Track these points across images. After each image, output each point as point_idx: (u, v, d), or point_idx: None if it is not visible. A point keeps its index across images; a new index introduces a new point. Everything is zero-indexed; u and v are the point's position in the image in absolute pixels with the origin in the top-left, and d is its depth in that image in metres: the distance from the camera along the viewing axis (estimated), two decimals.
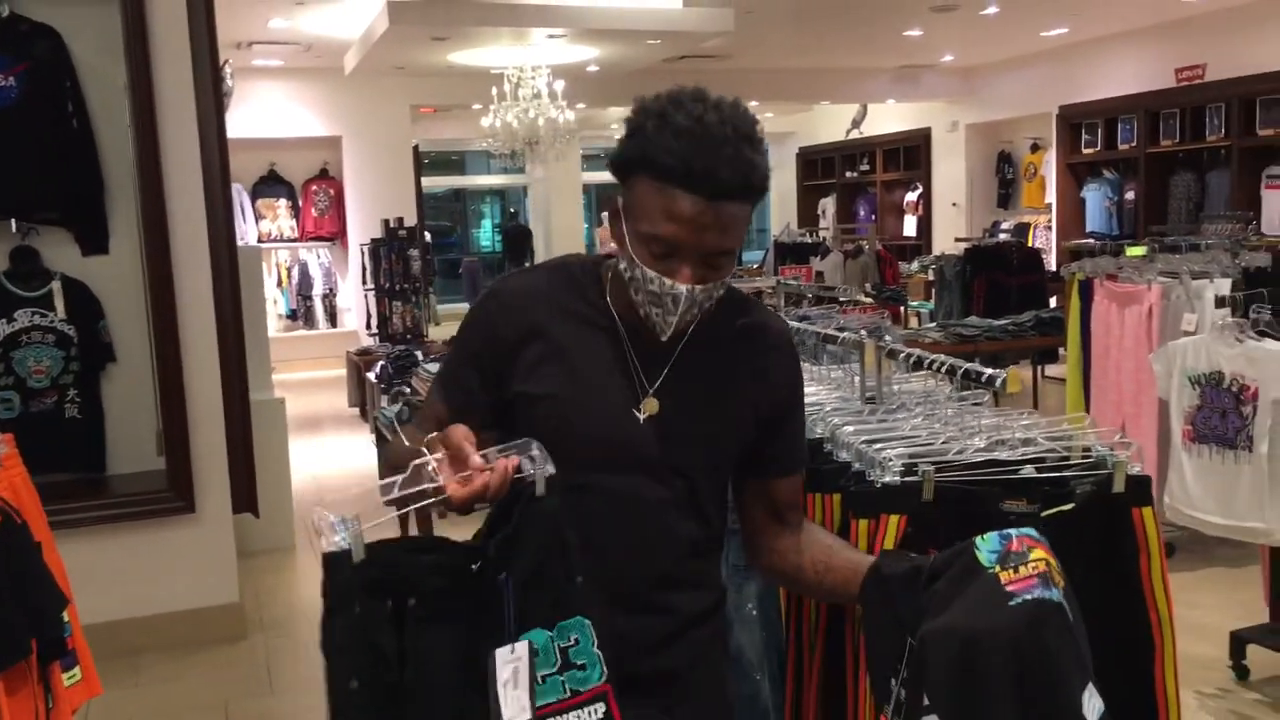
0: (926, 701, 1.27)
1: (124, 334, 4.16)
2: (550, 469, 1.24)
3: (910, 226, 13.82)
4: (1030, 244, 10.87)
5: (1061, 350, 5.92)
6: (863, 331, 1.97)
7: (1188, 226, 8.82)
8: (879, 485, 1.59)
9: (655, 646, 1.44)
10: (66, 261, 4.05)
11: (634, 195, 1.34)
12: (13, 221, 3.92)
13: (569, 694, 1.23)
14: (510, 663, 1.21)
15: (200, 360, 4.01)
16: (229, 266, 4.15)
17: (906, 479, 1.57)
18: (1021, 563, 1.27)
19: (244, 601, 4.29)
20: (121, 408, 4.20)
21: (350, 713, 1.19)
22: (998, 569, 1.27)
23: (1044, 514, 1.54)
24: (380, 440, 5.63)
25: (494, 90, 9.35)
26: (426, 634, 1.21)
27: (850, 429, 1.72)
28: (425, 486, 1.20)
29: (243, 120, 9.30)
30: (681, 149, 1.28)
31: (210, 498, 4.06)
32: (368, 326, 9.42)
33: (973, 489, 1.56)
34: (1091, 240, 10.18)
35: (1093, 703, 1.23)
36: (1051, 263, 10.37)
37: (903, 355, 1.85)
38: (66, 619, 2.31)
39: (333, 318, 11.47)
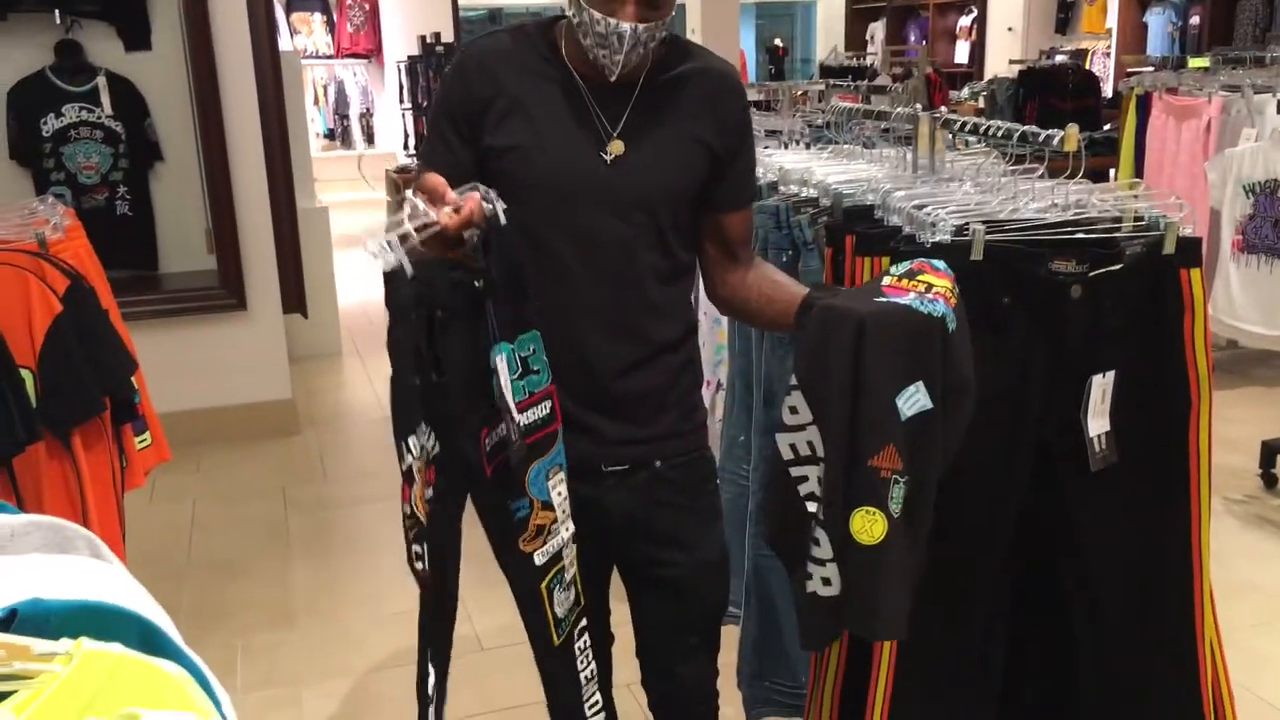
0: (793, 379, 1.43)
1: (170, 133, 4.19)
2: (503, 204, 1.37)
3: (962, 53, 13.33)
4: (1089, 69, 10.49)
5: (1113, 172, 5.80)
6: (918, 106, 1.94)
7: (1254, 50, 8.46)
8: (928, 245, 1.60)
9: (629, 369, 1.57)
10: (110, 57, 4.05)
11: None
12: (56, 13, 3.90)
13: (527, 395, 1.43)
14: (503, 370, 1.40)
15: (246, 162, 4.03)
16: (271, 69, 4.13)
17: (956, 239, 1.58)
18: (909, 278, 1.40)
19: (296, 399, 4.44)
20: (170, 207, 4.26)
21: (412, 405, 1.35)
22: (888, 278, 1.42)
23: (1092, 274, 1.56)
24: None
25: None
26: (449, 342, 1.37)
27: (901, 193, 1.72)
28: (423, 220, 1.31)
29: None
30: None
31: (261, 296, 4.16)
32: (405, 146, 9.36)
33: (1022, 249, 1.57)
34: (1151, 61, 9.80)
35: (915, 398, 1.36)
36: (1109, 89, 10.03)
37: (958, 124, 1.83)
38: (135, 385, 2.41)
39: (370, 137, 11.39)
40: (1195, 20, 10.17)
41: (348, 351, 5.50)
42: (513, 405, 1.39)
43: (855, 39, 14.58)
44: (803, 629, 1.54)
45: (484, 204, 1.34)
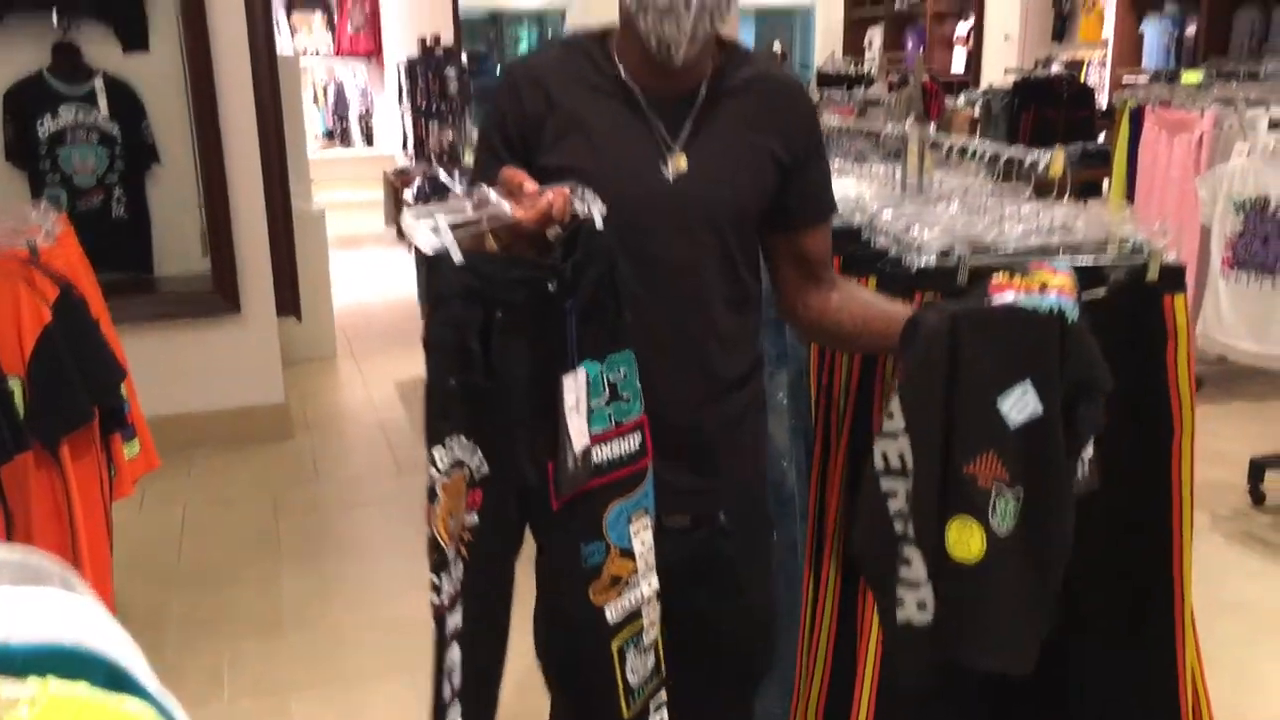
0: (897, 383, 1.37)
1: (167, 136, 4.19)
2: (602, 205, 1.26)
3: (959, 61, 13.34)
4: (1084, 80, 10.51)
5: (1106, 183, 5.82)
6: (909, 123, 1.96)
7: (1248, 63, 8.50)
8: (914, 269, 1.61)
9: (696, 406, 1.47)
10: (108, 59, 4.05)
11: None
12: (53, 14, 3.90)
13: (613, 425, 1.28)
14: (574, 390, 1.26)
15: (242, 164, 4.03)
16: (269, 71, 4.13)
17: (942, 262, 1.59)
18: (1023, 275, 1.33)
19: (289, 403, 4.45)
20: (166, 209, 4.26)
21: (447, 410, 1.20)
22: (1000, 276, 1.34)
23: None
24: (418, 256, 5.70)
25: None
26: (508, 348, 1.22)
27: (888, 215, 1.73)
28: (494, 211, 1.21)
29: None
30: None
31: (255, 300, 4.16)
32: (404, 148, 9.36)
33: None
34: (1145, 73, 9.82)
35: (1023, 400, 1.27)
36: (1103, 100, 10.05)
37: (946, 145, 1.84)
38: (125, 393, 2.42)
39: (369, 138, 11.39)
40: (1191, 30, 10.19)
41: (343, 354, 5.51)
42: (573, 433, 1.25)
43: (853, 45, 14.60)
44: (900, 664, 1.44)
45: (576, 202, 1.25)
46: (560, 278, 1.24)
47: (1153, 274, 1.58)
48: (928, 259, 1.58)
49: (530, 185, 1.23)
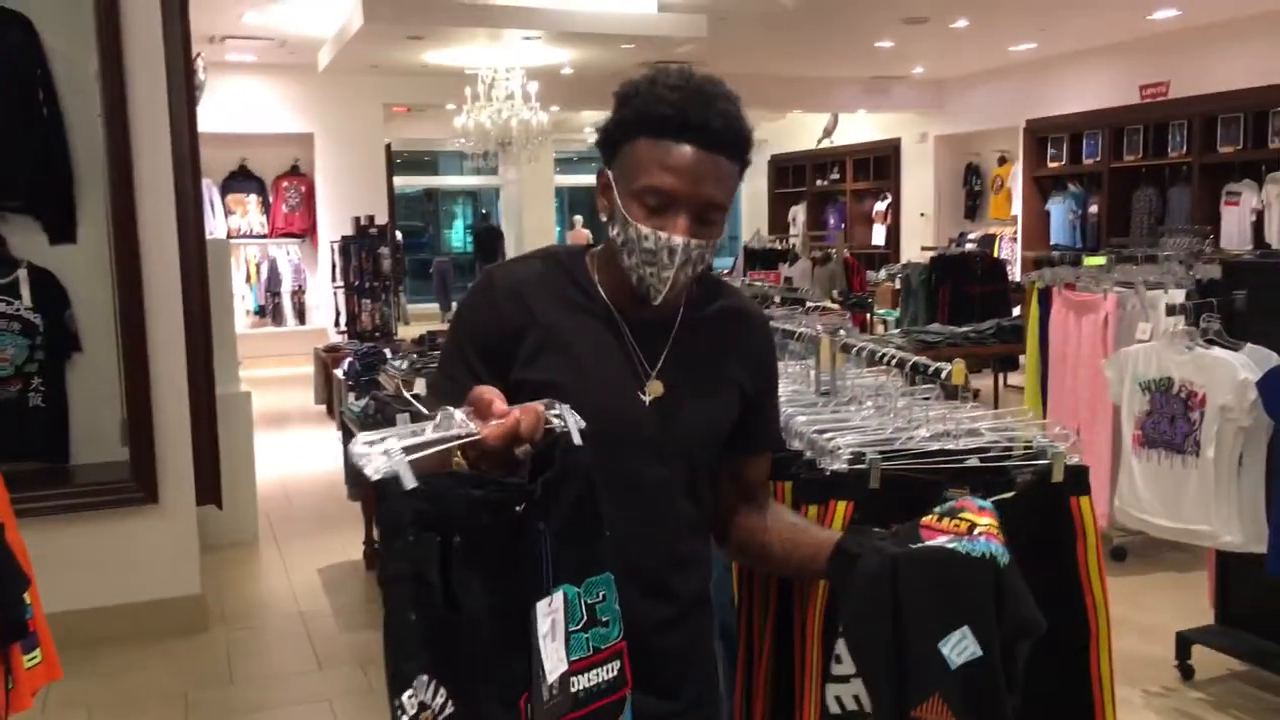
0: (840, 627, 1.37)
1: (90, 323, 4.16)
2: (580, 421, 1.23)
3: (879, 236, 13.96)
4: (996, 255, 11.03)
5: (1022, 358, 6.03)
6: (819, 328, 2.03)
7: (1149, 240, 9.01)
8: (828, 473, 1.64)
9: (659, 628, 1.44)
10: (33, 249, 4.05)
11: (628, 159, 1.38)
12: None
13: (591, 651, 1.22)
14: (549, 615, 1.20)
15: (166, 352, 4.01)
16: (197, 259, 4.16)
17: (854, 467, 1.62)
18: (950, 516, 1.36)
19: (206, 593, 4.29)
20: (86, 397, 4.20)
21: (411, 648, 1.13)
22: (930, 518, 1.38)
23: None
24: (347, 436, 5.65)
25: (467, 90, 9.38)
26: (469, 576, 1.15)
27: (803, 419, 1.77)
28: (456, 432, 1.16)
29: (214, 115, 9.26)
30: (676, 101, 1.34)
31: (174, 489, 4.06)
32: (336, 324, 9.40)
33: (918, 477, 1.62)
34: (1054, 253, 10.35)
35: (963, 644, 1.29)
36: (1016, 273, 10.52)
37: (856, 349, 1.91)
38: (28, 600, 2.32)
39: (301, 315, 11.44)
40: (1094, 209, 10.82)
41: (265, 539, 5.37)
42: (547, 662, 1.18)
43: (778, 221, 15.21)
44: None
45: (553, 417, 1.21)
46: (529, 498, 1.18)
47: (1057, 475, 1.63)
48: (840, 464, 1.61)
49: (500, 405, 1.19)
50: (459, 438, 1.16)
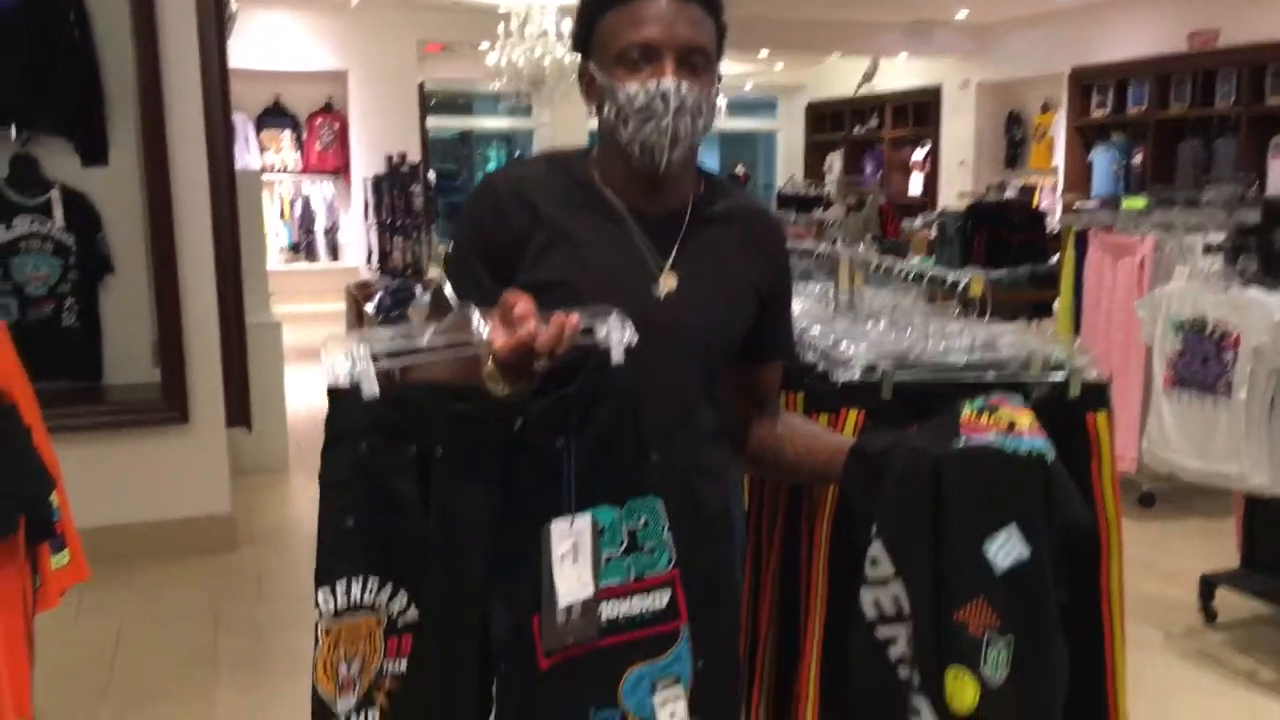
0: (875, 528, 1.32)
1: (122, 246, 4.20)
2: (631, 336, 1.18)
3: (916, 185, 13.75)
4: (1036, 205, 10.84)
5: (1056, 304, 5.95)
6: (839, 244, 2.00)
7: (1189, 190, 8.83)
8: (840, 384, 1.63)
9: (685, 542, 1.33)
10: (66, 171, 4.08)
11: (602, 37, 1.36)
12: (12, 128, 3.94)
13: (633, 578, 1.18)
14: (568, 537, 1.16)
15: (195, 276, 4.05)
16: (227, 186, 4.18)
17: (867, 378, 1.61)
18: (989, 413, 1.31)
19: (236, 514, 4.37)
20: (118, 318, 4.25)
21: (342, 551, 1.13)
22: (965, 413, 1.33)
23: None
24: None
25: (500, 27, 9.29)
26: (453, 488, 1.14)
27: (817, 330, 1.76)
28: (466, 337, 1.13)
29: (248, 51, 9.25)
30: None
31: (204, 410, 4.12)
32: (368, 261, 9.44)
33: (930, 389, 1.60)
34: (1092, 199, 10.16)
35: (1009, 546, 1.26)
36: (1055, 223, 10.36)
37: (874, 265, 1.89)
38: (55, 503, 2.36)
39: (334, 252, 11.49)
40: (1138, 159, 10.59)
41: (295, 466, 5.44)
42: (562, 585, 1.14)
43: (814, 169, 15.02)
44: None
45: (600, 329, 1.17)
46: (530, 415, 1.14)
47: (1074, 391, 1.61)
48: (853, 374, 1.60)
49: (522, 308, 1.14)
50: (466, 347, 1.13)
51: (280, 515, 4.83)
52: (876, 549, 1.34)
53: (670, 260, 1.40)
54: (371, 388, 1.10)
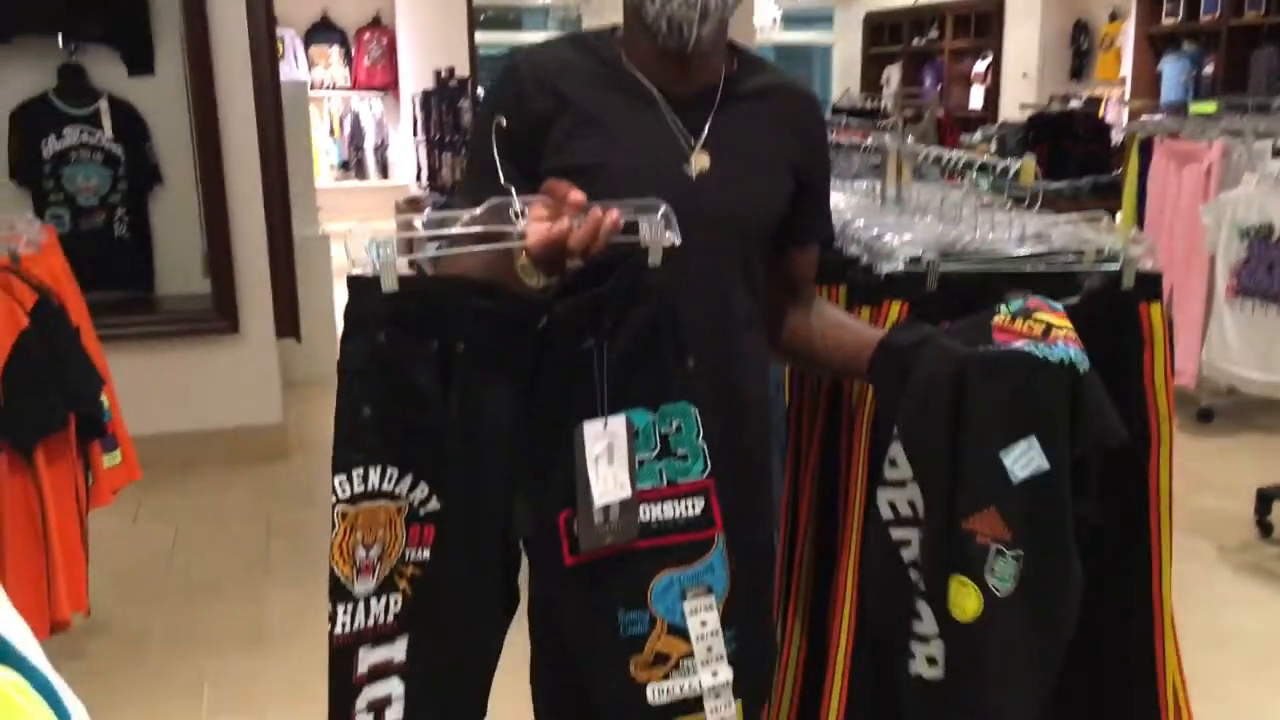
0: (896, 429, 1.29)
1: (170, 157, 4.23)
2: (673, 237, 1.15)
3: (977, 99, 13.36)
4: (1100, 117, 10.50)
5: (1118, 216, 5.78)
6: (888, 137, 1.94)
7: (1261, 96, 8.48)
8: (883, 276, 1.58)
9: (718, 428, 1.29)
10: (113, 81, 4.10)
11: None
12: (59, 36, 3.95)
13: (665, 483, 1.17)
14: (603, 438, 1.15)
15: (243, 187, 4.06)
16: (273, 97, 4.17)
17: (912, 269, 1.56)
18: (1024, 317, 1.26)
19: (287, 424, 4.44)
20: (168, 230, 4.30)
21: (358, 439, 1.13)
22: (1000, 317, 1.28)
23: None
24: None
25: None
26: (475, 384, 1.13)
27: (861, 223, 1.70)
28: (502, 228, 1.10)
29: None
30: None
31: (254, 320, 4.17)
32: (418, 179, 9.43)
33: (977, 281, 1.55)
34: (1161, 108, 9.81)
35: (1028, 457, 1.21)
36: (1120, 136, 10.04)
37: (922, 155, 1.82)
38: (105, 403, 2.41)
39: (384, 170, 11.48)
40: (1209, 68, 10.18)
41: None
42: (598, 485, 1.14)
43: (871, 82, 14.65)
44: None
45: (643, 225, 1.14)
46: (555, 315, 1.12)
47: (1128, 281, 1.54)
48: (896, 265, 1.55)
49: (574, 197, 1.10)
50: (499, 238, 1.10)
51: (329, 425, 4.89)
52: (895, 449, 1.31)
53: (702, 139, 1.35)
54: (391, 278, 1.08)
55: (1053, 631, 1.26)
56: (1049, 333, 1.25)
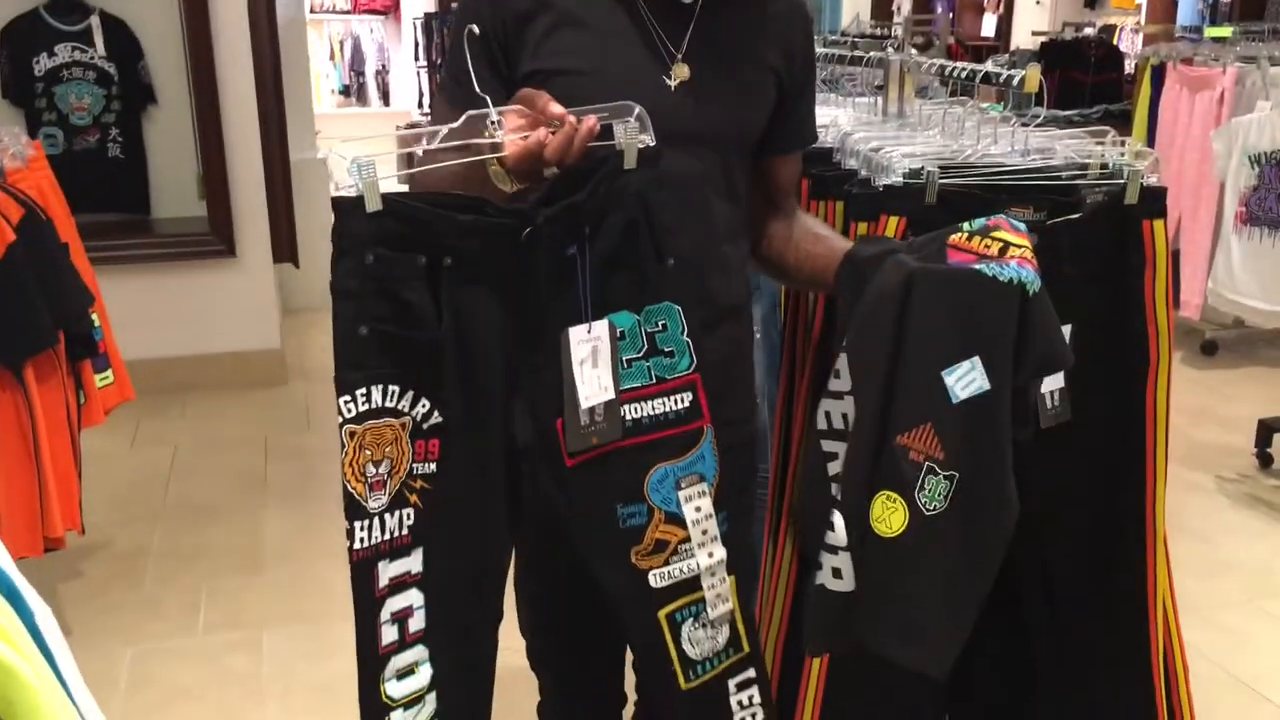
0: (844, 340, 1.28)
1: (164, 77, 4.16)
2: (647, 139, 1.15)
3: (989, 26, 13.12)
4: (1114, 44, 10.29)
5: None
6: (890, 51, 1.88)
7: (1275, 22, 8.30)
8: (882, 189, 1.54)
9: (695, 333, 1.32)
10: None
11: None
12: None
13: (654, 380, 1.21)
14: (587, 342, 1.18)
15: (238, 108, 3.99)
16: (268, 18, 4.08)
17: (910, 181, 1.52)
18: (982, 235, 1.23)
19: (285, 349, 4.42)
20: (163, 151, 4.24)
21: (358, 359, 1.15)
22: (959, 236, 1.25)
23: (1049, 222, 1.49)
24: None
25: None
26: (464, 297, 1.15)
27: (861, 135, 1.66)
28: (477, 140, 1.09)
29: None
30: None
31: (251, 244, 4.13)
32: (420, 105, 9.30)
33: (978, 194, 1.51)
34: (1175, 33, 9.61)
35: (970, 377, 1.18)
36: (1133, 64, 9.85)
37: (925, 65, 1.77)
38: (96, 321, 2.39)
39: (386, 96, 11.32)
40: None
41: None
42: (584, 388, 1.18)
43: (882, 9, 14.35)
44: (806, 627, 1.36)
45: (618, 129, 1.14)
46: (536, 225, 1.13)
47: (1131, 197, 1.50)
48: (895, 178, 1.51)
49: (555, 108, 1.09)
50: (475, 151, 1.10)
51: (329, 351, 4.87)
52: (841, 361, 1.30)
53: (683, 49, 1.32)
54: (374, 198, 1.08)
55: (980, 554, 1.22)
56: (1005, 252, 1.21)
